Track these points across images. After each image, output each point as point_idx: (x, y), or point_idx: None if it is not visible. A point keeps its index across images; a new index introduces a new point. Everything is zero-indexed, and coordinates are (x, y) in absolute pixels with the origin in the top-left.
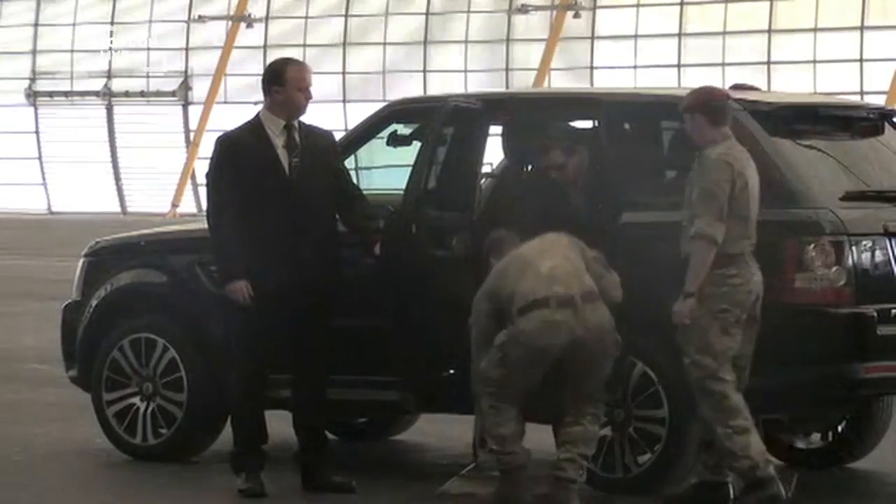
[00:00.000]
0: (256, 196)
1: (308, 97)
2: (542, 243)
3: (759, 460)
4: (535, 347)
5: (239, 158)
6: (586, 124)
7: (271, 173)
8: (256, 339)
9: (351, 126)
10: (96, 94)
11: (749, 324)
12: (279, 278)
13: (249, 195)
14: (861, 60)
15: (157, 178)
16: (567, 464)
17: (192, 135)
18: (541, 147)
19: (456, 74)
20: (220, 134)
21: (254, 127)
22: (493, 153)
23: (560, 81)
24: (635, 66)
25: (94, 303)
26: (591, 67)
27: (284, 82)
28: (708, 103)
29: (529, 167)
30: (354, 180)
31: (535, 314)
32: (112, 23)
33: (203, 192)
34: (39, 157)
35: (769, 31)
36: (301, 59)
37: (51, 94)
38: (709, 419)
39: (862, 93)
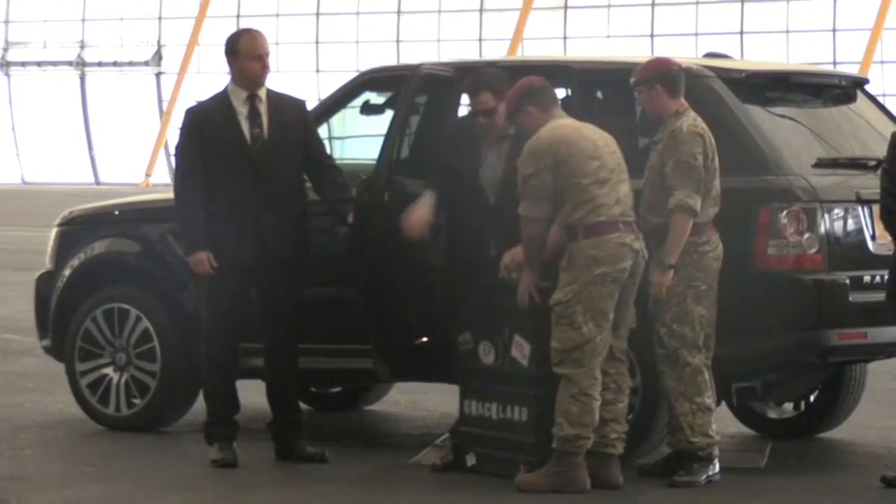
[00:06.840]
0: (220, 167)
1: (264, 65)
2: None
3: (717, 440)
4: (611, 274)
5: (204, 130)
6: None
7: (233, 145)
8: (223, 311)
9: (324, 96)
10: (69, 63)
11: (713, 290)
12: (241, 250)
13: (213, 166)
14: (834, 30)
15: (131, 147)
16: (618, 441)
17: (165, 104)
18: (471, 87)
19: (429, 44)
20: (190, 105)
21: (221, 98)
22: None
23: (533, 51)
24: (608, 36)
25: (67, 273)
26: (565, 37)
27: (238, 52)
28: (665, 74)
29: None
30: (328, 150)
31: (610, 237)
32: None
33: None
34: (12, 128)
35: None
36: (274, 28)
37: (23, 63)
38: (672, 392)
39: (835, 62)
